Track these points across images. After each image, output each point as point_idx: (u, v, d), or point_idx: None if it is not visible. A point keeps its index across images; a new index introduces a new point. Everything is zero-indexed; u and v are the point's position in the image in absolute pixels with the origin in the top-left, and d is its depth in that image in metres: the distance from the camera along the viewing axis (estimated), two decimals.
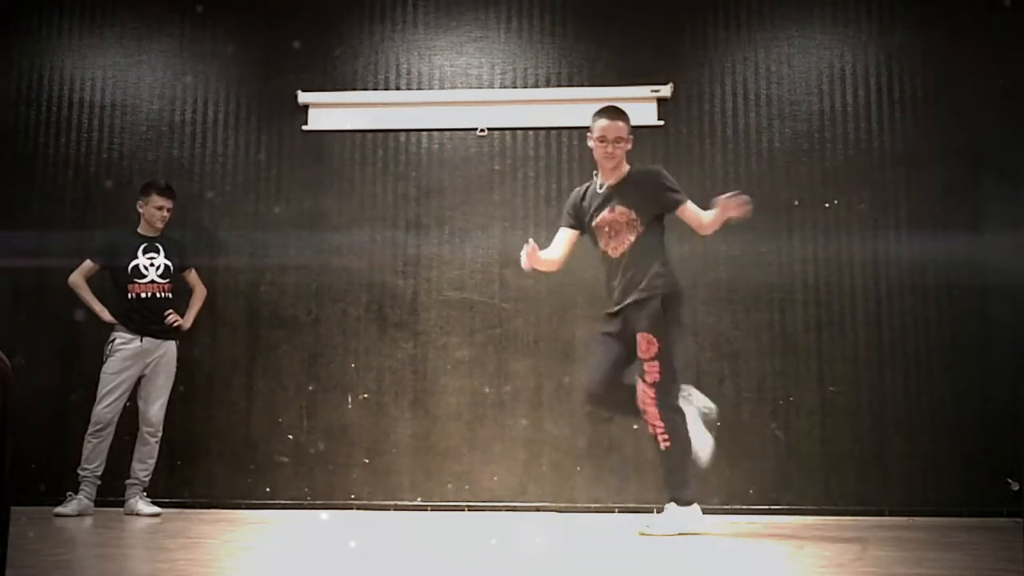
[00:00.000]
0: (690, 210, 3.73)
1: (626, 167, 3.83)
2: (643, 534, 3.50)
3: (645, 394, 3.57)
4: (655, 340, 3.57)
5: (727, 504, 4.66)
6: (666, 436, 3.53)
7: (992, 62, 4.94)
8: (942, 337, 4.77)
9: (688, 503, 3.56)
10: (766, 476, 4.71)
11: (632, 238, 3.70)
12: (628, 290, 3.68)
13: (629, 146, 3.81)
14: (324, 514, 4.59)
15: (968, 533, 3.78)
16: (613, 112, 3.80)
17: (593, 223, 3.80)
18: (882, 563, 2.79)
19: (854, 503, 4.63)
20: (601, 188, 3.83)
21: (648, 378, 3.56)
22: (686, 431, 3.59)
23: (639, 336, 3.59)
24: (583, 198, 3.89)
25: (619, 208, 3.72)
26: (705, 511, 4.60)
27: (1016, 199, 4.79)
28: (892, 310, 4.81)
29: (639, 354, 3.60)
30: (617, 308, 3.71)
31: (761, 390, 4.79)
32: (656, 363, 3.55)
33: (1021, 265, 4.68)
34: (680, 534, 3.48)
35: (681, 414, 3.61)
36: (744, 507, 4.65)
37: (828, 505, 4.65)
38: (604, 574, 2.57)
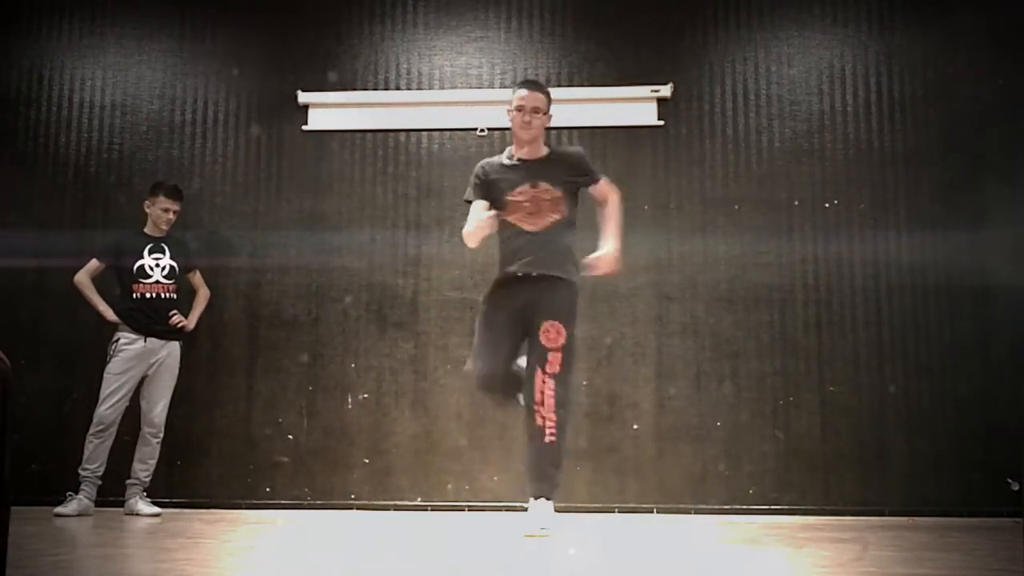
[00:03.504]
0: (602, 186, 3.69)
1: (545, 148, 3.76)
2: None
3: (545, 385, 3.42)
4: (564, 331, 3.48)
5: (727, 504, 4.67)
6: (554, 431, 3.40)
7: (992, 62, 4.95)
8: (942, 337, 4.77)
9: (550, 499, 3.46)
10: (766, 476, 4.71)
11: (556, 217, 3.61)
12: (541, 263, 3.55)
13: (548, 122, 3.72)
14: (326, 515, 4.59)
15: (968, 533, 3.78)
16: (534, 84, 3.78)
17: (509, 196, 3.65)
18: (882, 563, 2.79)
19: (854, 503, 4.64)
20: (513, 161, 3.71)
21: (549, 369, 3.43)
22: (568, 429, 3.52)
23: (549, 324, 3.47)
24: (490, 172, 3.72)
25: (543, 184, 3.63)
26: (705, 511, 4.65)
27: (1016, 199, 4.79)
28: (892, 310, 4.81)
29: (545, 342, 3.45)
30: (522, 275, 3.55)
31: (761, 390, 4.79)
32: (560, 355, 3.45)
33: (1021, 265, 4.68)
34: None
35: (569, 411, 3.55)
36: (744, 507, 4.66)
37: (828, 505, 4.65)
38: (601, 574, 2.57)
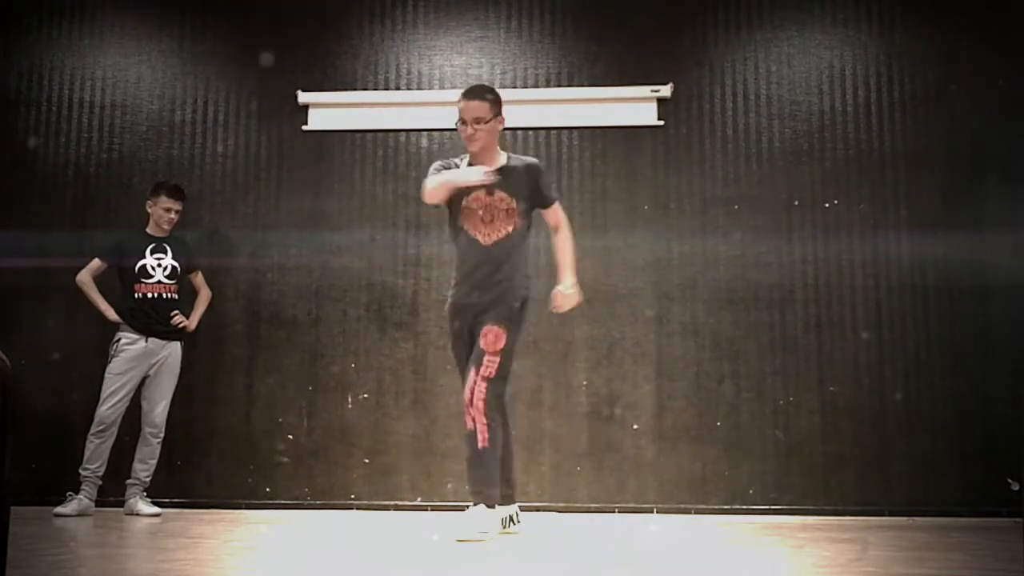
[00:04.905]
0: (556, 211, 3.65)
1: (503, 155, 3.61)
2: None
3: (476, 386, 3.38)
4: (503, 335, 3.42)
5: (727, 504, 4.67)
6: (486, 435, 3.35)
7: (992, 62, 4.95)
8: (942, 337, 4.77)
9: (492, 505, 3.42)
10: (766, 476, 4.71)
11: (509, 229, 3.51)
12: (493, 286, 3.48)
13: (499, 127, 3.56)
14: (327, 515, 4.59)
15: (968, 533, 3.78)
16: (474, 92, 3.55)
17: (463, 203, 3.53)
18: (882, 563, 2.79)
19: (854, 503, 4.64)
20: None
21: (484, 371, 3.39)
22: (502, 435, 3.47)
23: (488, 328, 3.42)
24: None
25: (499, 193, 3.49)
26: (705, 511, 4.65)
27: (1016, 199, 4.80)
28: (892, 310, 4.82)
29: (483, 346, 3.41)
30: (475, 302, 3.49)
31: (761, 390, 4.79)
32: (497, 359, 3.40)
33: (1021, 265, 4.68)
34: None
35: (503, 416, 3.49)
36: (744, 507, 4.66)
37: (828, 505, 4.65)
38: (601, 574, 2.57)
